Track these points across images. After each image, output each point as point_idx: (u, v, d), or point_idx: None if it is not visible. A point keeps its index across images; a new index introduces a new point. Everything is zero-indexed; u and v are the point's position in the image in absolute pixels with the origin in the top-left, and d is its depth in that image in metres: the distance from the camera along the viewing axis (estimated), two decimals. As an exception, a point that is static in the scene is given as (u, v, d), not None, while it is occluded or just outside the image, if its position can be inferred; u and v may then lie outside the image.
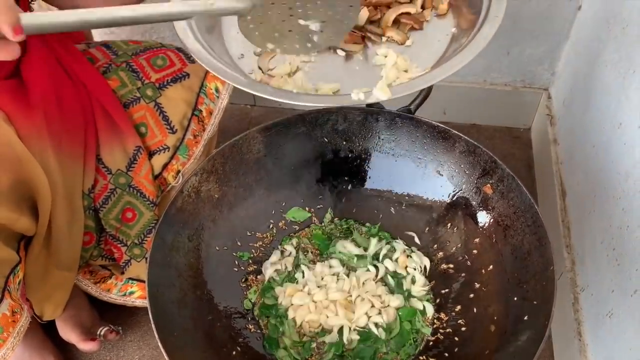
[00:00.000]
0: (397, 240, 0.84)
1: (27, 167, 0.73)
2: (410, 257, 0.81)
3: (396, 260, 0.81)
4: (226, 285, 0.77)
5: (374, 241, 0.83)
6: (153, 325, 0.62)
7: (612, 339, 0.83)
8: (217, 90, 0.96)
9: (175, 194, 0.75)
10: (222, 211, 0.80)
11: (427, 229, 0.82)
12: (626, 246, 0.80)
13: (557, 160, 1.18)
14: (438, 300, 0.78)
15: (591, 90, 1.04)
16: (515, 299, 0.68)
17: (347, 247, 0.82)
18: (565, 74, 1.23)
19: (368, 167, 0.86)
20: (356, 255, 0.82)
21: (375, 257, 0.82)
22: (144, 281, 0.94)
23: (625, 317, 0.79)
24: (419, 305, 0.76)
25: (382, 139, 0.84)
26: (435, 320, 0.76)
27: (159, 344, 0.60)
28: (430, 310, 0.76)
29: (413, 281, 0.79)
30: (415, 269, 0.80)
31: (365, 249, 0.82)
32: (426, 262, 0.81)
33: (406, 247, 0.83)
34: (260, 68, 0.68)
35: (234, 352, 0.69)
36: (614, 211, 0.86)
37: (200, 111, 0.93)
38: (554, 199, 1.13)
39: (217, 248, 0.78)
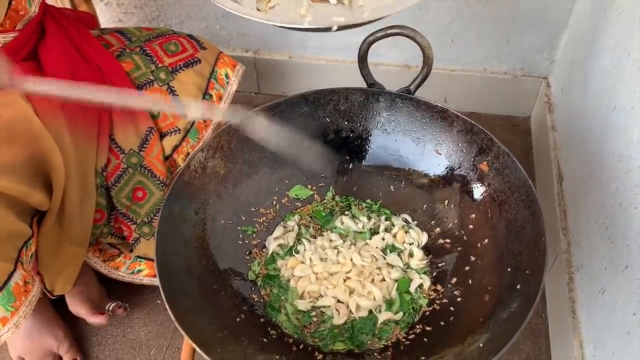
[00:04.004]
0: (396, 217, 0.87)
1: (43, 143, 0.75)
2: (408, 232, 0.84)
3: (395, 236, 0.84)
4: (231, 257, 0.80)
5: (372, 217, 0.86)
6: (160, 288, 0.64)
7: (604, 314, 0.85)
8: (227, 76, 0.99)
9: (182, 168, 0.77)
10: (227, 187, 0.82)
11: (425, 205, 0.85)
12: (619, 224, 0.83)
13: (555, 146, 1.21)
14: (435, 273, 0.80)
15: (588, 76, 1.06)
16: (509, 269, 0.70)
17: (345, 222, 0.85)
18: (563, 62, 1.25)
19: (369, 146, 0.88)
20: (354, 231, 0.84)
21: (375, 232, 0.85)
22: (152, 259, 0.97)
23: (616, 293, 0.81)
24: (416, 277, 0.79)
25: (383, 119, 0.86)
26: (432, 292, 0.78)
27: (166, 305, 0.63)
28: (427, 282, 0.79)
29: (411, 254, 0.82)
30: (412, 244, 0.83)
31: (363, 225, 0.85)
32: (424, 237, 0.84)
33: (404, 224, 0.86)
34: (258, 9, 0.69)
35: (238, 319, 0.72)
36: (607, 191, 0.89)
37: (211, 96, 0.96)
38: (551, 184, 1.16)
39: (222, 222, 0.81)
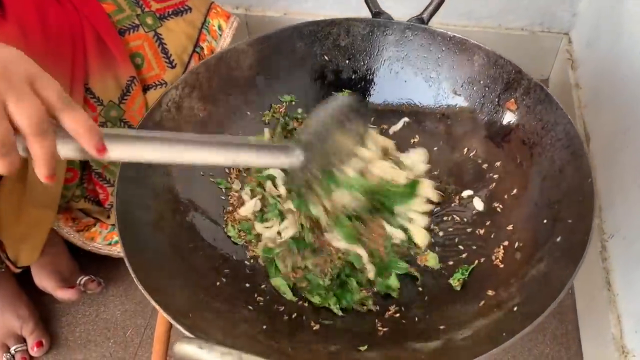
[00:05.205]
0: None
1: None
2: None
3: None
4: (213, 213, 0.67)
5: None
6: (120, 242, 0.53)
7: (648, 282, 0.73)
8: (220, 28, 0.88)
9: (152, 106, 0.65)
10: (207, 133, 0.70)
11: (441, 156, 0.73)
12: (666, 176, 0.71)
13: (579, 104, 1.09)
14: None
15: (620, 21, 0.95)
16: (545, 221, 0.58)
17: None
18: (588, 13, 1.13)
19: (374, 89, 0.76)
20: None
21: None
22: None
23: (665, 256, 0.69)
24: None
25: (391, 56, 0.74)
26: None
27: (125, 259, 0.51)
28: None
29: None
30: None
31: None
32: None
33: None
34: None
35: (218, 283, 0.60)
36: (649, 143, 0.77)
37: (202, 48, 0.85)
38: (576, 145, 1.04)
39: (201, 173, 0.69)
